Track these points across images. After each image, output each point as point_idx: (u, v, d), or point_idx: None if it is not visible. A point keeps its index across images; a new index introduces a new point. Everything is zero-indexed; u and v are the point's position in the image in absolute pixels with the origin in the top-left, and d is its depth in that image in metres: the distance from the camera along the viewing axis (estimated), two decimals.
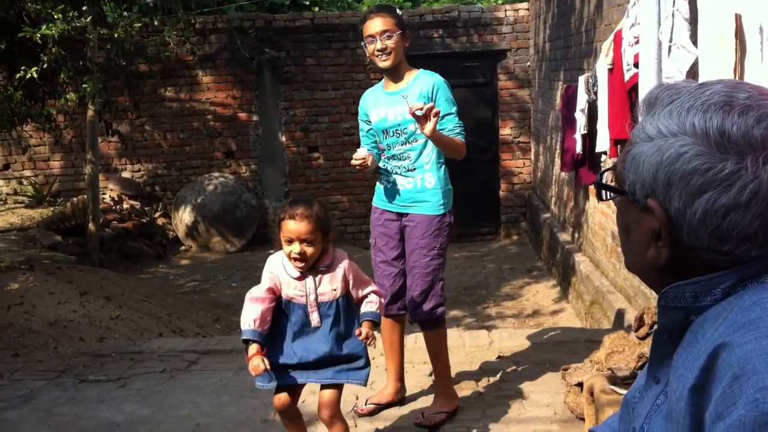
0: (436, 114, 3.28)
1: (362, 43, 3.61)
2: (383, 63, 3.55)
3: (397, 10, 3.61)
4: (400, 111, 3.53)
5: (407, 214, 3.65)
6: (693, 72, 3.39)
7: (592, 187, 6.39)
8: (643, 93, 3.87)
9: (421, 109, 3.25)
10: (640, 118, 1.03)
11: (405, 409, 3.90)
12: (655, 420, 1.04)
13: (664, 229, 0.96)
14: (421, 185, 3.58)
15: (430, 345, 3.76)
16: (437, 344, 3.74)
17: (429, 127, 3.27)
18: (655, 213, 0.96)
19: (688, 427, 0.94)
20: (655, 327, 1.21)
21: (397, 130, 3.59)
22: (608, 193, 1.07)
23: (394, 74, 3.62)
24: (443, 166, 3.62)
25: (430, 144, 3.51)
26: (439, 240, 3.59)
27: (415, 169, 3.59)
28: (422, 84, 3.55)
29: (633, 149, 1.00)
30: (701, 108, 0.95)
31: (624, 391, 3.61)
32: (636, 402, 1.13)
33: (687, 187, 0.93)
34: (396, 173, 3.65)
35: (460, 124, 3.54)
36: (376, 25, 3.51)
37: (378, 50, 3.52)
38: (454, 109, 3.54)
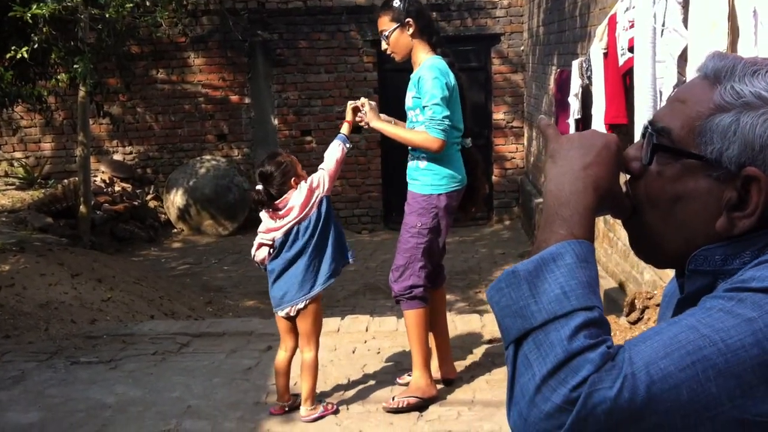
0: (359, 108, 3.67)
1: None
2: (395, 59, 3.77)
3: (395, 1, 3.63)
4: (409, 96, 3.70)
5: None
6: (684, 56, 3.38)
7: None
8: (638, 78, 3.86)
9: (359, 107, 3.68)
10: (714, 86, 1.00)
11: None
12: None
13: (762, 197, 0.95)
14: (415, 165, 3.68)
15: (406, 324, 3.76)
16: (411, 324, 3.72)
17: (367, 119, 3.65)
18: (760, 180, 0.94)
19: None
20: (664, 296, 1.20)
21: (407, 113, 3.77)
22: (655, 157, 1.01)
23: (411, 62, 3.73)
24: (444, 151, 3.61)
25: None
26: (422, 219, 3.63)
27: (415, 149, 3.69)
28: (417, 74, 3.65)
29: (725, 117, 0.97)
30: None
31: None
32: None
33: None
34: (409, 152, 3.78)
35: (432, 118, 3.52)
36: (378, 25, 3.71)
37: (383, 50, 3.75)
38: (431, 102, 3.52)
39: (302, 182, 3.53)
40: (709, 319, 0.86)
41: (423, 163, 3.63)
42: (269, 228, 3.54)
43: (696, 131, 0.99)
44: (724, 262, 0.99)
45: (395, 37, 3.63)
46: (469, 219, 4.39)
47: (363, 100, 3.70)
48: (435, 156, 3.59)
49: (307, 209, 3.50)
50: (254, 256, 3.65)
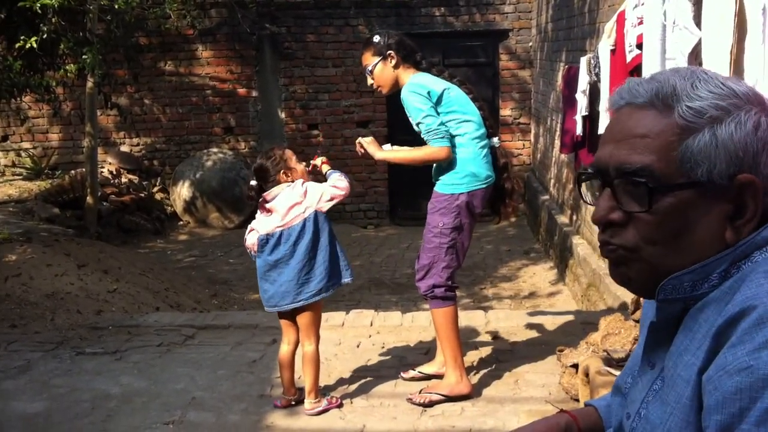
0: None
1: None
2: (383, 93, 3.86)
3: (375, 37, 3.71)
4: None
5: None
6: (695, 53, 3.36)
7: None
8: (646, 75, 3.84)
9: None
10: (667, 112, 0.99)
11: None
12: (653, 404, 1.04)
13: (759, 200, 0.96)
14: (437, 166, 3.70)
15: (434, 323, 3.78)
16: (437, 323, 3.74)
17: (370, 153, 3.70)
18: (754, 183, 0.96)
19: (696, 409, 0.94)
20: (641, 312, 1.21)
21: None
22: (650, 201, 0.98)
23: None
24: (462, 149, 3.62)
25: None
26: (443, 219, 3.63)
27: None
28: None
29: (700, 136, 0.96)
30: (728, 80, 0.99)
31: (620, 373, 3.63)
32: (628, 388, 1.13)
33: None
34: None
35: (428, 131, 3.56)
36: (362, 62, 3.78)
37: (369, 85, 3.82)
38: (419, 118, 3.57)
39: (297, 182, 3.54)
40: None
41: (443, 164, 3.64)
42: (260, 219, 3.61)
43: (676, 160, 0.97)
44: (693, 288, 0.99)
45: (379, 69, 3.68)
46: (504, 219, 4.35)
47: (360, 140, 3.77)
48: (455, 155, 3.60)
49: (290, 218, 3.49)
50: (245, 239, 3.68)
